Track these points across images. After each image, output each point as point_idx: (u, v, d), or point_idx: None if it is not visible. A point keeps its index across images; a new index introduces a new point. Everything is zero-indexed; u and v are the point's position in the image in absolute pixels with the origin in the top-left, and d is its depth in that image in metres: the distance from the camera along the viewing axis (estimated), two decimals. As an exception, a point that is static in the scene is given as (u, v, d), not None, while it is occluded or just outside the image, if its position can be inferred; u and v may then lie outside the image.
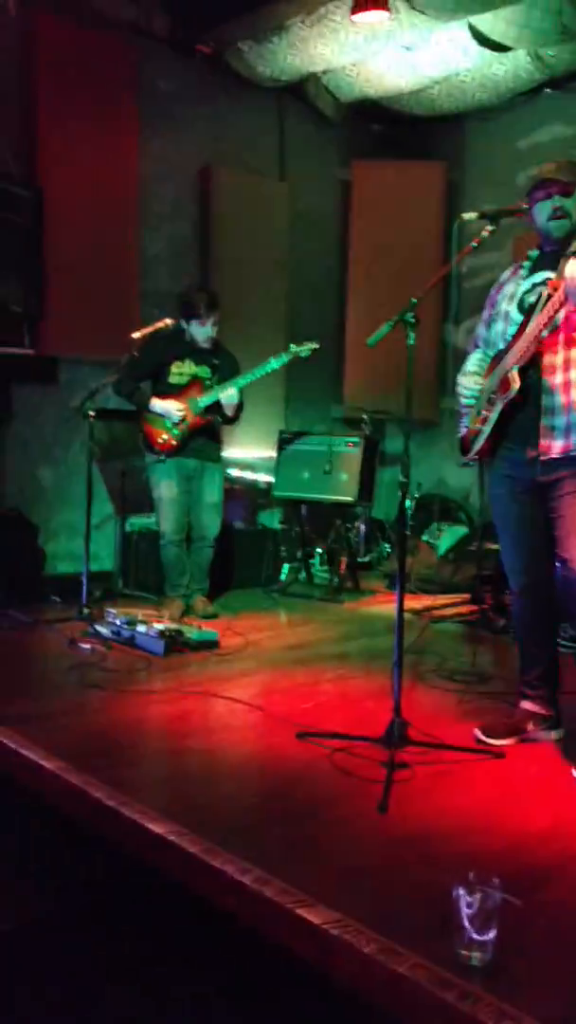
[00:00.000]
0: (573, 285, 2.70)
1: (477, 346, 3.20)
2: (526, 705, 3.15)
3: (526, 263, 3.05)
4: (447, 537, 6.22)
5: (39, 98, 5.46)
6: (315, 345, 5.11)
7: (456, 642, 4.61)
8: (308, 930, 1.86)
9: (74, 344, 5.60)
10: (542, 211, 2.91)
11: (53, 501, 5.72)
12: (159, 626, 4.22)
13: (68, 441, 5.69)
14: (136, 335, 4.67)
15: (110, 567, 5.77)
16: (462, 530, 6.31)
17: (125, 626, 4.30)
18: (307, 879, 2.09)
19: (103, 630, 4.34)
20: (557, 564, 3.02)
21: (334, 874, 2.17)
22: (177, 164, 6.29)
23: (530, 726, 3.11)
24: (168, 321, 4.75)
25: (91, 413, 4.72)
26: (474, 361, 3.17)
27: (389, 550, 6.54)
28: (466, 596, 5.38)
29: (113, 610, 4.48)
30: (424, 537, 6.30)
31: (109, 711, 3.36)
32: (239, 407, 4.86)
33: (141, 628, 4.23)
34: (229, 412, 4.82)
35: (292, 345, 5.08)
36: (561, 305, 2.76)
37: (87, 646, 4.19)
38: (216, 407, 4.84)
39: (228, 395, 4.75)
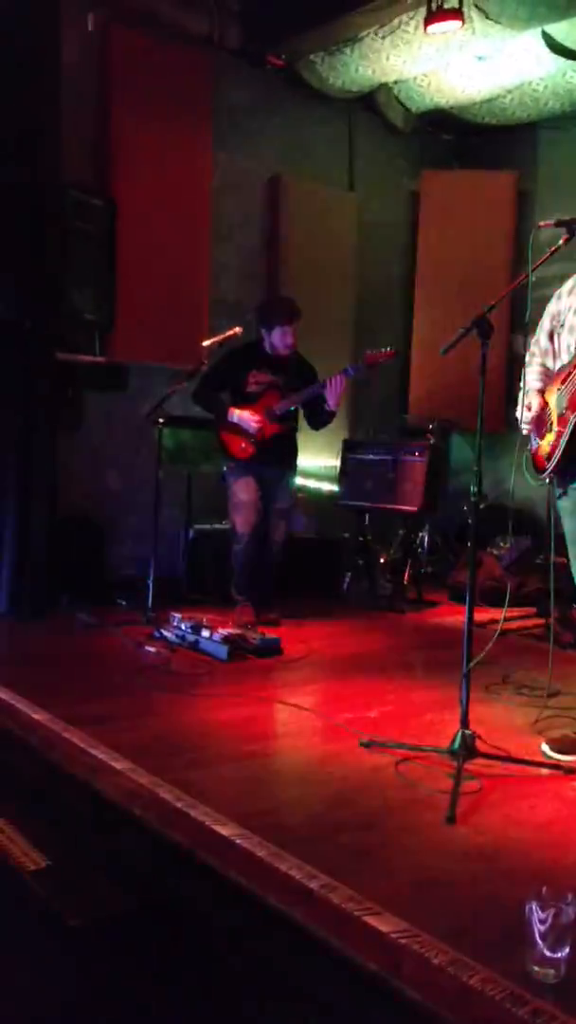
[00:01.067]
0: None
1: (534, 356, 3.15)
2: (596, 720, 3.09)
3: None
4: (511, 549, 6.14)
5: (113, 110, 5.57)
6: (392, 352, 4.96)
7: (521, 655, 4.54)
8: (376, 939, 1.84)
9: (144, 352, 5.69)
10: None
11: (120, 506, 5.80)
12: (223, 631, 4.25)
13: (136, 447, 5.76)
14: (206, 343, 4.73)
15: (175, 572, 5.82)
16: (528, 542, 6.22)
17: (189, 631, 4.34)
18: (374, 888, 2.08)
19: (168, 634, 4.38)
20: None
21: (402, 884, 2.15)
22: (248, 174, 6.35)
23: (599, 742, 3.05)
24: (238, 330, 4.79)
25: (160, 420, 4.78)
26: (535, 376, 3.12)
27: (453, 560, 6.47)
28: (532, 609, 5.30)
29: (178, 614, 4.53)
30: (489, 549, 6.22)
31: (174, 714, 3.39)
32: (332, 414, 4.89)
33: (205, 633, 4.27)
34: (331, 402, 4.79)
35: (369, 350, 4.99)
36: None
37: (152, 649, 4.23)
38: (292, 415, 4.87)
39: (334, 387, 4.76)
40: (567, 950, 1.75)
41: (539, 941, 1.75)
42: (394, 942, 1.81)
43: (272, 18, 5.89)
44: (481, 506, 6.83)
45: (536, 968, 1.75)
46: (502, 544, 6.29)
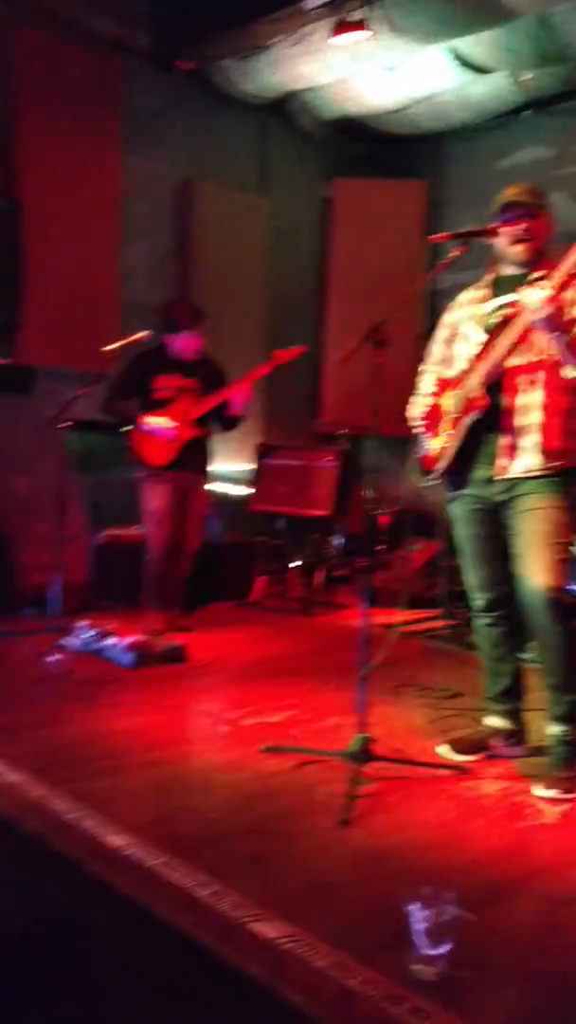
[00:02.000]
0: (532, 312, 2.73)
1: (431, 364, 3.23)
2: (491, 721, 3.16)
3: (487, 285, 3.07)
4: (422, 552, 6.23)
5: (20, 112, 5.49)
6: (300, 349, 5.00)
7: (426, 657, 4.62)
8: (261, 945, 1.85)
9: (52, 355, 5.60)
10: (508, 234, 2.94)
11: (28, 512, 5.69)
12: (129, 638, 4.21)
13: (43, 451, 5.66)
14: (110, 348, 4.68)
15: (84, 578, 5.74)
16: (437, 545, 6.32)
17: (95, 638, 4.28)
18: (266, 893, 2.09)
19: (73, 642, 4.32)
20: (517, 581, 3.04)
21: (293, 888, 2.16)
22: (158, 178, 6.32)
23: (495, 742, 3.12)
24: (144, 334, 4.74)
25: (66, 423, 4.71)
26: (430, 382, 3.20)
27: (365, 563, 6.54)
28: (439, 611, 5.39)
29: (84, 622, 4.46)
30: (400, 551, 6.31)
31: (77, 723, 3.34)
32: (240, 417, 4.88)
33: (111, 640, 4.22)
34: (235, 407, 4.80)
35: (278, 349, 4.97)
36: (526, 328, 2.80)
37: (56, 658, 4.16)
38: (206, 419, 4.85)
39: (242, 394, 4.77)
40: (447, 948, 1.78)
41: (420, 939, 1.78)
42: (279, 947, 1.82)
43: (182, 22, 5.87)
44: (394, 509, 6.90)
45: (417, 966, 1.78)
46: (413, 546, 6.39)
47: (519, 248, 2.94)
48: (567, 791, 2.80)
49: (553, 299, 2.73)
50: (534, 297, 2.73)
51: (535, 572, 2.86)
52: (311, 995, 1.72)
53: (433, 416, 3.14)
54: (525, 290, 2.78)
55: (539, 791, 2.81)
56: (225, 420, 4.90)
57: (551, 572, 2.85)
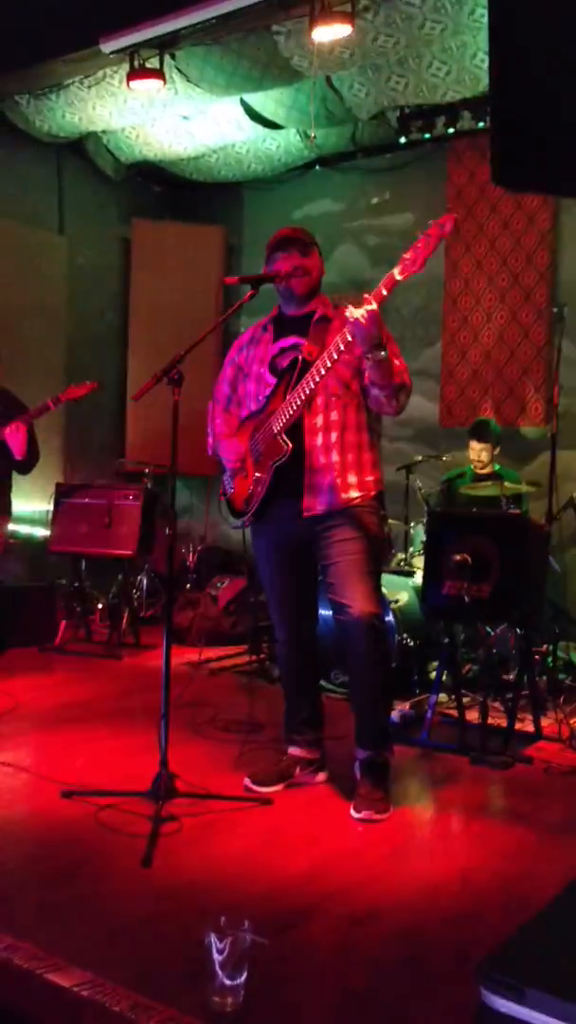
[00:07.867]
0: (358, 324, 2.74)
1: (218, 403, 3.29)
2: (293, 751, 3.24)
3: (269, 324, 3.18)
4: (228, 589, 6.31)
5: None
6: (91, 385, 5.04)
7: (232, 692, 4.67)
8: (58, 995, 1.81)
9: None
10: (285, 270, 3.06)
11: None
12: None
13: None
14: None
15: None
16: (242, 582, 6.42)
17: None
18: (64, 942, 2.04)
19: None
20: (329, 610, 3.15)
21: (92, 934, 2.13)
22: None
23: (297, 771, 3.20)
24: None
25: None
26: (221, 422, 3.26)
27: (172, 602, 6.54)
28: (245, 647, 5.47)
29: None
30: (207, 590, 6.35)
31: None
32: (35, 456, 4.76)
33: None
34: (16, 454, 4.69)
35: (72, 384, 5.00)
36: (325, 369, 2.90)
37: None
38: None
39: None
40: (244, 977, 1.81)
41: (218, 971, 1.80)
42: (76, 995, 1.79)
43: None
44: (199, 548, 6.93)
45: (216, 999, 1.80)
46: (218, 583, 6.46)
47: (296, 283, 3.04)
48: (381, 812, 2.91)
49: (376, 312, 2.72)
50: (360, 310, 2.72)
51: (353, 600, 2.95)
52: (109, 1040, 1.70)
53: (233, 456, 3.18)
54: (348, 309, 2.76)
55: (354, 813, 2.90)
56: (13, 463, 4.79)
57: (368, 599, 2.97)
